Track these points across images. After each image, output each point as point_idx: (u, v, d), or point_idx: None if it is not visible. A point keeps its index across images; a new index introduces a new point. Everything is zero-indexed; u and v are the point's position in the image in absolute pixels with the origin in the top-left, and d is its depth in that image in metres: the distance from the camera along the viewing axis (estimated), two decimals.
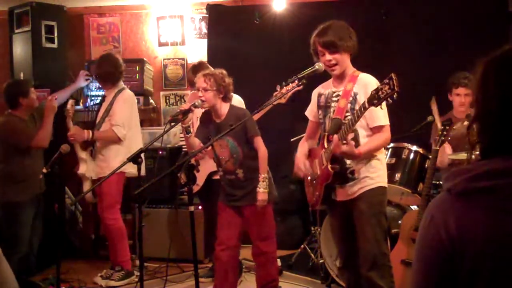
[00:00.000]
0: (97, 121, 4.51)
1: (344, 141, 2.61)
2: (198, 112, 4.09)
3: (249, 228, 3.56)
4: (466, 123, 3.57)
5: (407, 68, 4.68)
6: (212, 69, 3.91)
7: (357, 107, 2.74)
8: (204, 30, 5.82)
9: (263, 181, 3.40)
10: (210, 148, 3.46)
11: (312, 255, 4.51)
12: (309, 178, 3.06)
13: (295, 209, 5.34)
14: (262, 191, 3.40)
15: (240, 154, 3.45)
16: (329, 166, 2.77)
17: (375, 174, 2.85)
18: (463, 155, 3.70)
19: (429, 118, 4.13)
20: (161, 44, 5.94)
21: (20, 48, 5.35)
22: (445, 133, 3.41)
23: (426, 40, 5.15)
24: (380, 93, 2.39)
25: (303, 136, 4.64)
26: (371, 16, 5.14)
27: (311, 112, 3.11)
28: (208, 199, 4.31)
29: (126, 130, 4.39)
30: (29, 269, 4.36)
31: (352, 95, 2.81)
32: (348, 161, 2.82)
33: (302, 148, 3.12)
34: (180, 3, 5.85)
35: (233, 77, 3.57)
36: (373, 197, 2.83)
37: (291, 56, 5.19)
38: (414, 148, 3.94)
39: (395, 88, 2.32)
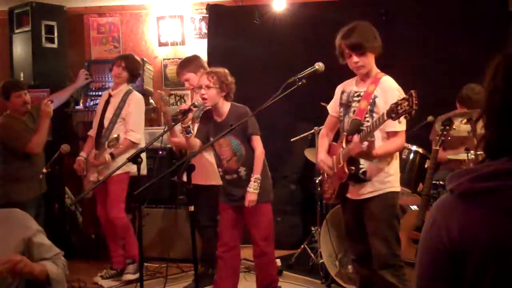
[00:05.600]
0: (105, 123, 4.38)
1: (364, 142, 2.71)
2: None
3: (249, 228, 3.56)
4: (464, 121, 3.56)
5: (406, 69, 4.68)
6: (206, 65, 3.93)
7: (375, 109, 2.82)
8: (204, 30, 5.82)
9: (254, 182, 3.38)
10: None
11: (312, 255, 4.51)
12: (325, 173, 3.12)
13: (295, 209, 5.34)
14: (251, 191, 3.38)
15: (243, 152, 3.44)
16: (346, 167, 2.83)
17: (386, 179, 2.89)
18: (463, 155, 3.70)
19: (429, 118, 4.14)
20: (161, 44, 5.94)
21: (20, 48, 5.35)
22: (445, 133, 3.40)
23: (426, 40, 5.14)
24: (399, 108, 2.47)
25: (303, 136, 4.70)
26: (371, 16, 5.11)
27: (332, 107, 3.15)
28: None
29: (140, 134, 4.38)
30: None
31: (372, 97, 2.85)
32: (361, 162, 2.87)
33: (323, 146, 3.15)
34: (180, 3, 5.85)
35: (233, 77, 3.57)
36: (384, 201, 2.88)
37: (291, 56, 5.20)
38: (414, 148, 3.93)
39: (413, 106, 2.41)
